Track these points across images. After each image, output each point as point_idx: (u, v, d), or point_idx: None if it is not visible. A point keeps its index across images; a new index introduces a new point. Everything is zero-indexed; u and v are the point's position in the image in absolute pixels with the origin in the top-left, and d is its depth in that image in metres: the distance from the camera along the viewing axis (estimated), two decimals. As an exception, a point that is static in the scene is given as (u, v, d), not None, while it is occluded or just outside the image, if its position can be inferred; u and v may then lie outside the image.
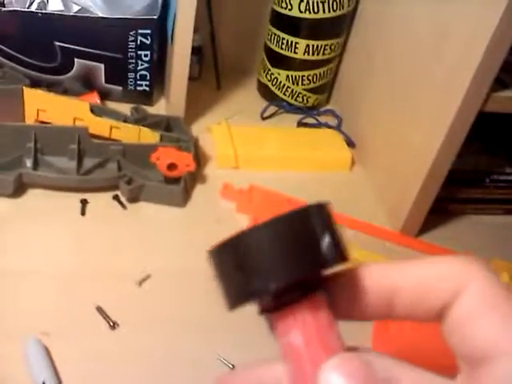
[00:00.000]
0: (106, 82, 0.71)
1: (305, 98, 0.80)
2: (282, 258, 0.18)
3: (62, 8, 0.65)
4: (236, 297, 0.19)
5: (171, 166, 0.60)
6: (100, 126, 0.63)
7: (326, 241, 0.19)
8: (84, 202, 0.58)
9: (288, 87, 0.79)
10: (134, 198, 0.59)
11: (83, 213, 0.57)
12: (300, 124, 0.78)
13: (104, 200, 0.59)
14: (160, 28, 0.68)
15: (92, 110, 0.64)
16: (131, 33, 0.66)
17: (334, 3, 0.70)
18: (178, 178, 0.60)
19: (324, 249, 0.19)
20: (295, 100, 0.80)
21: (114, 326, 0.47)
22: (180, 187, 0.60)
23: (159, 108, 0.75)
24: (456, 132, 0.57)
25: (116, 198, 0.59)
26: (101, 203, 0.59)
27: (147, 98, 0.73)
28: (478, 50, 0.52)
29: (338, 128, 0.78)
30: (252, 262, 0.18)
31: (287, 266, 0.18)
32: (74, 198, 0.59)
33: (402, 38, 0.65)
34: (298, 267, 0.18)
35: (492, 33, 0.50)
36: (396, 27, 0.66)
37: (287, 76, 0.78)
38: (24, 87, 0.62)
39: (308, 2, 0.70)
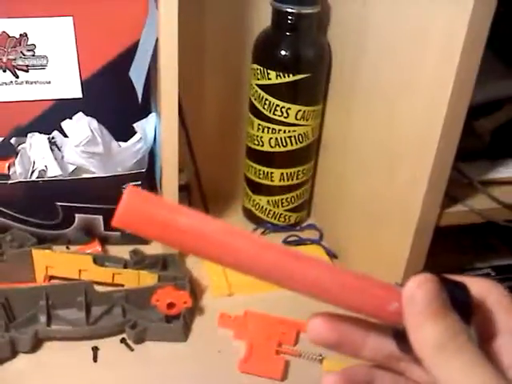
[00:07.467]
0: (105, 229, 0.78)
1: (287, 217, 0.88)
2: None
3: (60, 172, 0.73)
4: None
5: (170, 305, 0.66)
6: (103, 274, 0.70)
7: None
8: (95, 349, 0.64)
9: (270, 210, 0.87)
10: (139, 340, 0.65)
11: (95, 359, 0.63)
12: (285, 243, 0.85)
13: (113, 344, 0.65)
14: (148, 178, 0.76)
15: (95, 260, 0.71)
16: (123, 186, 0.74)
17: (300, 136, 0.79)
18: (178, 315, 0.67)
19: None
20: (278, 220, 0.88)
21: None
22: (180, 324, 0.66)
23: (155, 245, 0.82)
24: (419, 244, 0.64)
25: (123, 341, 0.65)
26: (110, 348, 0.65)
27: (143, 239, 0.81)
28: (426, 169, 0.59)
29: (318, 242, 0.85)
30: None
31: None
32: (86, 346, 0.64)
33: (357, 163, 0.74)
34: None
35: (434, 154, 0.58)
36: (353, 154, 0.74)
37: (268, 201, 0.86)
38: (32, 249, 0.69)
39: (277, 139, 0.79)
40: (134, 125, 0.74)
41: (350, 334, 0.30)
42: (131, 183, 0.74)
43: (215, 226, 0.27)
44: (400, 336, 0.27)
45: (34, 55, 0.76)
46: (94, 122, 0.75)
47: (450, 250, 0.79)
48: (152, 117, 0.75)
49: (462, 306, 0.27)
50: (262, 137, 0.80)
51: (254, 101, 0.78)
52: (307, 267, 0.27)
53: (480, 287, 0.29)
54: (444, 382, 0.25)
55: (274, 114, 0.77)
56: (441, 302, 0.26)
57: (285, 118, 0.77)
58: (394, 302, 0.27)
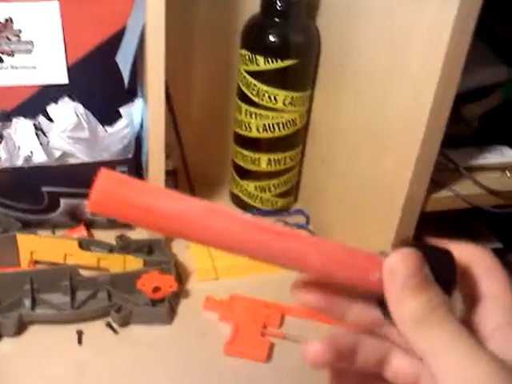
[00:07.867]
0: (91, 214, 0.78)
1: (274, 202, 0.88)
2: None
3: (45, 158, 0.73)
4: None
5: (156, 289, 0.66)
6: (89, 258, 0.70)
7: None
8: (80, 333, 0.64)
9: (257, 195, 0.87)
10: (124, 323, 0.65)
11: (80, 343, 0.63)
12: (272, 228, 0.85)
13: (98, 328, 0.65)
14: (135, 164, 0.76)
15: (80, 244, 0.71)
16: (110, 171, 0.74)
17: (288, 123, 0.79)
18: (163, 299, 0.67)
19: None
20: (265, 206, 0.88)
21: None
22: (165, 307, 0.66)
23: (141, 230, 0.82)
24: (404, 229, 0.64)
25: (108, 324, 0.65)
26: (95, 331, 0.65)
27: (130, 224, 0.80)
28: (413, 154, 0.59)
29: (305, 227, 0.86)
30: None
31: None
32: (71, 329, 0.64)
33: (344, 149, 0.74)
34: None
35: (421, 140, 0.58)
36: (341, 140, 0.74)
37: (255, 186, 0.86)
38: (17, 234, 0.69)
39: (264, 125, 0.79)
40: (121, 110, 0.74)
41: (335, 298, 0.30)
42: (118, 168, 0.74)
43: (192, 208, 0.26)
44: (384, 303, 0.28)
45: (19, 40, 0.76)
46: (80, 108, 0.75)
47: (436, 235, 0.79)
48: (138, 102, 0.75)
49: (446, 275, 0.27)
50: (249, 122, 0.80)
51: (242, 86, 0.78)
52: (289, 242, 0.27)
53: (469, 253, 0.29)
54: (424, 355, 0.25)
55: (262, 99, 0.77)
56: (421, 277, 0.26)
57: (273, 103, 0.77)
58: (376, 273, 0.27)
